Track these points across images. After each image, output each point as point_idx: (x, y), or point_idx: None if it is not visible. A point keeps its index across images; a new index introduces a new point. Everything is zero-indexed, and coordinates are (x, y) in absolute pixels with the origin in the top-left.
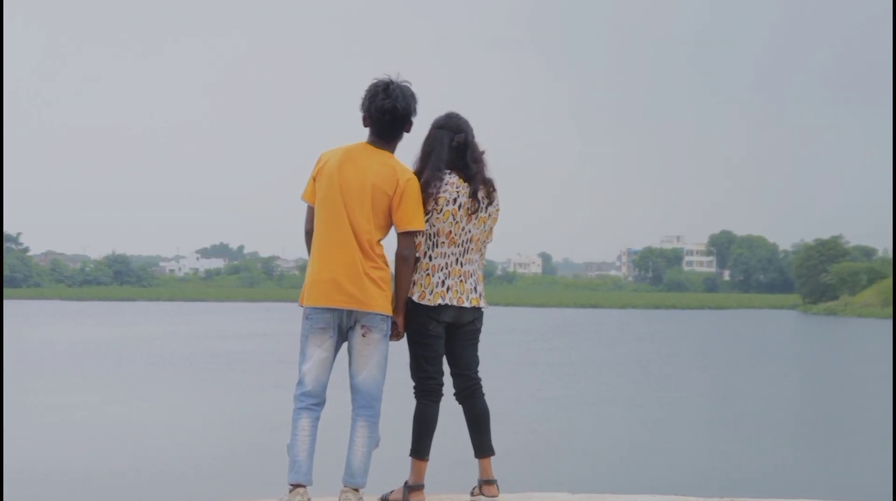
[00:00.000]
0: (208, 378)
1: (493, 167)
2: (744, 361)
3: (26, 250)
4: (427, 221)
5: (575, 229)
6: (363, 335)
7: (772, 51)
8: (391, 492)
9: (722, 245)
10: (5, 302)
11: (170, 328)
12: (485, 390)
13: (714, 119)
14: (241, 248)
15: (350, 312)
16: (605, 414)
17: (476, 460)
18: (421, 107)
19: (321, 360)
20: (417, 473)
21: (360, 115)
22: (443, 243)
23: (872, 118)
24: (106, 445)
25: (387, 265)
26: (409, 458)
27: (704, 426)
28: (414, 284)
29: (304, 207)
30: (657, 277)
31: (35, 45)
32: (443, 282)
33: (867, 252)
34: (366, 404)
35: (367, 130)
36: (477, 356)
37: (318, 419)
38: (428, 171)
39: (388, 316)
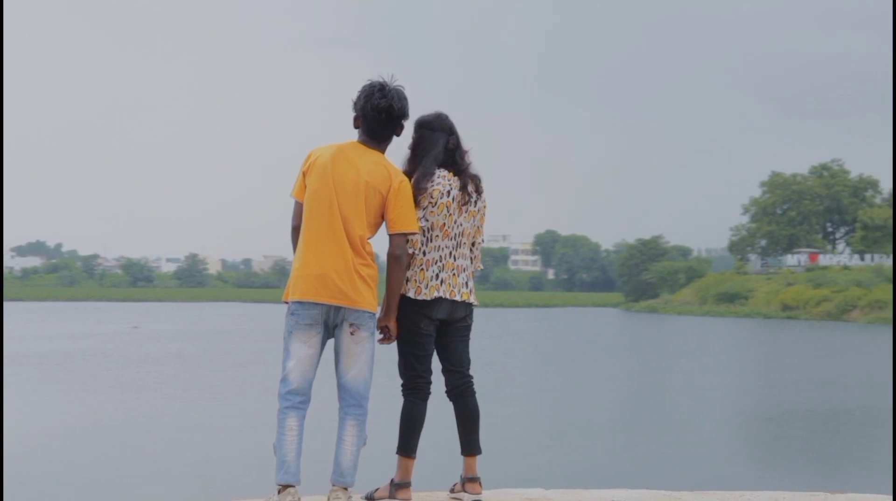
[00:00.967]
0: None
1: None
2: (570, 357)
3: None
4: (423, 216)
5: None
6: (352, 334)
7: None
8: (376, 490)
9: (547, 244)
10: None
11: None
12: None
13: (545, 120)
14: (58, 246)
15: (338, 308)
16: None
17: (462, 457)
18: (244, 106)
19: (307, 357)
20: (404, 470)
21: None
22: (437, 236)
23: (686, 123)
24: None
25: (375, 263)
26: (396, 456)
27: (536, 419)
28: (408, 280)
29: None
30: (484, 275)
31: None
32: (437, 275)
33: (684, 252)
34: (355, 403)
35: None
36: (469, 354)
37: (304, 417)
38: (421, 169)
39: (374, 314)
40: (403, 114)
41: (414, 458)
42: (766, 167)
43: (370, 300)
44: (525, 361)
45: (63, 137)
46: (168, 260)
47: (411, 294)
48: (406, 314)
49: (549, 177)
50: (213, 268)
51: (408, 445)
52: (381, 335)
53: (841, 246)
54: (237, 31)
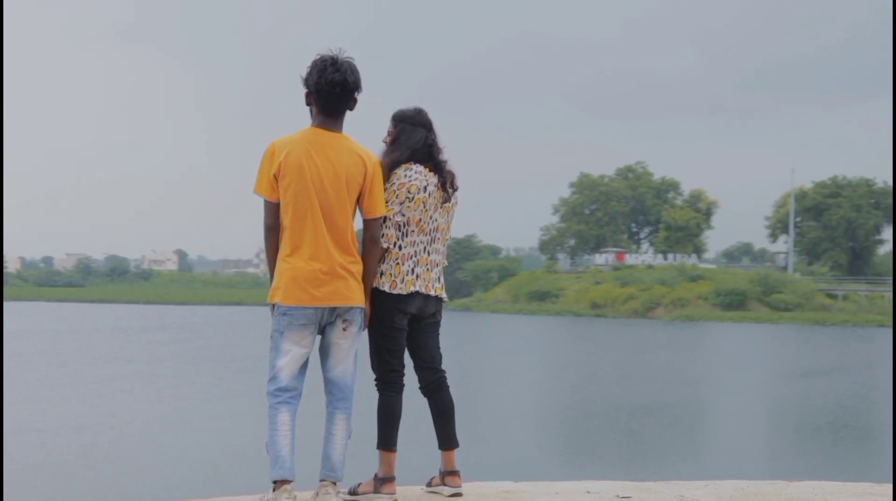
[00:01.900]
0: None
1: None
2: None
3: None
4: (399, 211)
5: (210, 226)
6: (344, 329)
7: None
8: (359, 484)
9: None
10: None
11: None
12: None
13: (361, 120)
14: None
15: (333, 308)
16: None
17: (440, 451)
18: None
19: (299, 355)
20: (387, 465)
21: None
22: (412, 231)
23: (498, 124)
24: None
25: (359, 256)
26: (378, 451)
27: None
28: (382, 274)
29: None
30: None
31: None
32: (412, 270)
33: (495, 251)
34: (343, 396)
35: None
36: (440, 349)
37: (295, 412)
38: (396, 158)
39: (363, 308)
40: (357, 86)
41: (395, 451)
42: (576, 169)
43: (360, 296)
44: None
45: None
46: None
47: (386, 288)
48: (380, 308)
49: None
50: (13, 267)
51: (388, 439)
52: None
53: (645, 246)
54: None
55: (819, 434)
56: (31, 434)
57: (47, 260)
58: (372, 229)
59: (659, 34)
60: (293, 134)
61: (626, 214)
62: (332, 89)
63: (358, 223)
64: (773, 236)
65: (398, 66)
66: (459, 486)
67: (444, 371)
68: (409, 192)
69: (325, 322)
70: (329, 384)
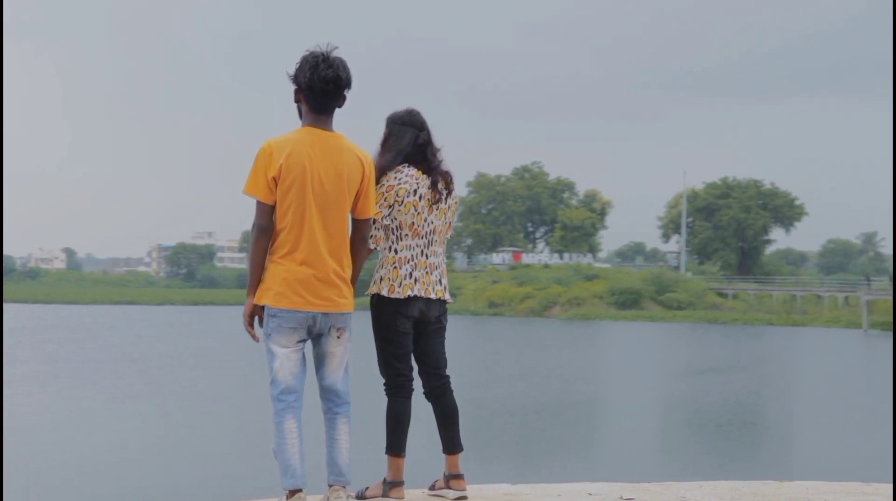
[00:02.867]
0: None
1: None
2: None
3: None
4: (389, 215)
5: (100, 224)
6: (338, 337)
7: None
8: (367, 488)
9: None
10: None
11: None
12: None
13: (248, 117)
14: None
15: (326, 314)
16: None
17: (443, 455)
18: None
19: (295, 357)
20: (396, 469)
21: None
22: (406, 235)
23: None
24: None
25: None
26: (386, 456)
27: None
28: (381, 279)
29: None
30: (190, 273)
31: None
32: (410, 274)
33: None
34: (342, 401)
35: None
36: (445, 355)
37: (300, 417)
38: (386, 162)
39: (351, 313)
40: (349, 83)
41: (404, 456)
42: (473, 168)
43: (352, 302)
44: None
45: None
46: None
47: (385, 292)
48: (382, 313)
49: (214, 173)
50: None
51: (397, 444)
52: None
53: (541, 245)
54: None
55: (713, 431)
56: None
57: None
58: (362, 229)
59: (555, 40)
60: (288, 134)
61: (522, 213)
62: (325, 86)
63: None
64: (666, 236)
65: (286, 63)
66: (464, 489)
67: (448, 376)
68: (397, 195)
69: (318, 330)
70: (326, 391)
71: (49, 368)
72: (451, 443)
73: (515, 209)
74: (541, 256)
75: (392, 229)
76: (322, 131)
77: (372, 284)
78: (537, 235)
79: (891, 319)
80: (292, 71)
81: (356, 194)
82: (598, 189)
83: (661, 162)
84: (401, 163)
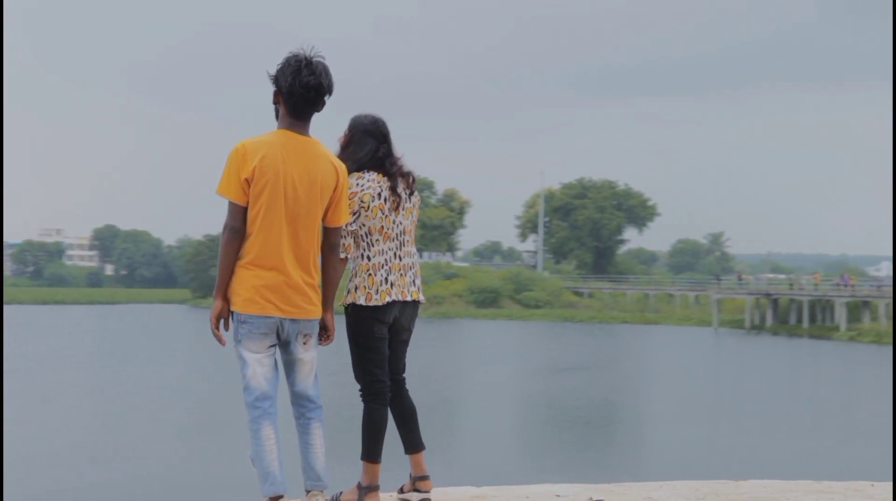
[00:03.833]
0: None
1: None
2: (141, 353)
3: None
4: (356, 221)
5: None
6: (304, 343)
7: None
8: (341, 493)
9: (106, 239)
10: None
11: None
12: None
13: (87, 112)
14: None
15: (294, 320)
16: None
17: (407, 456)
18: None
19: (267, 362)
20: (372, 475)
21: None
22: (377, 240)
23: (237, 121)
24: None
25: (319, 270)
26: (362, 461)
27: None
28: (356, 288)
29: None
30: (38, 271)
31: None
32: (386, 279)
33: None
34: (315, 406)
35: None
36: (405, 358)
37: (276, 423)
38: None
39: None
40: (330, 90)
41: (380, 462)
42: None
43: (319, 308)
44: (88, 357)
45: None
46: None
47: (362, 301)
48: (360, 320)
49: (107, 169)
50: None
51: (374, 450)
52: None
53: None
54: None
55: (570, 429)
56: None
57: None
58: (332, 237)
59: (411, 39)
60: (263, 135)
61: None
62: (305, 93)
63: None
64: (523, 236)
65: (107, 47)
66: (429, 490)
67: (404, 377)
68: (361, 201)
69: (286, 336)
70: (298, 397)
71: None
72: (414, 442)
73: None
74: None
75: (362, 235)
76: (298, 136)
77: (346, 293)
78: None
79: (741, 316)
80: (273, 71)
81: (329, 202)
82: (456, 188)
83: (519, 162)
84: (358, 170)
